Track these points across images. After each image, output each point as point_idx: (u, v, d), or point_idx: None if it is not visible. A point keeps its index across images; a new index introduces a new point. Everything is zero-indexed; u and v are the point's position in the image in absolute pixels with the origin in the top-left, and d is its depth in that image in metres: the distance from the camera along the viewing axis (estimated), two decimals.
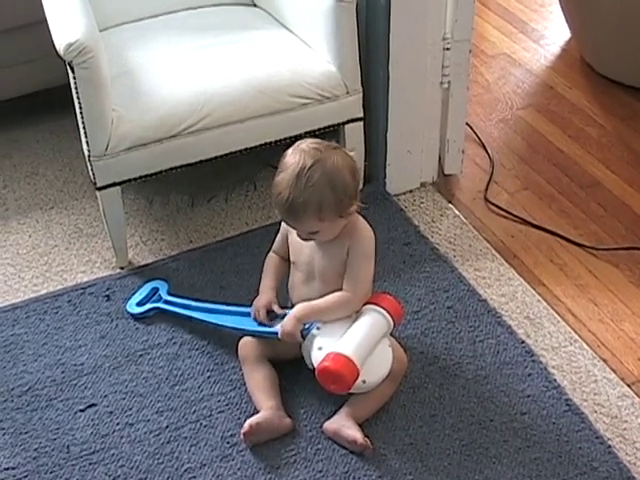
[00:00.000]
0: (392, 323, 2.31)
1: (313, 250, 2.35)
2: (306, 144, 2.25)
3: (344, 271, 2.33)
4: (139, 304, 2.69)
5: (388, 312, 2.30)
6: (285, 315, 2.35)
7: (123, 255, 2.86)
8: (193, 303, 2.62)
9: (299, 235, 2.30)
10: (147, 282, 2.77)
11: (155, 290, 2.72)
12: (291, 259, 2.43)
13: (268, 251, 2.52)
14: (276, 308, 2.41)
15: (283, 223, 2.43)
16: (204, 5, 3.21)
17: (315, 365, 2.23)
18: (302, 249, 2.38)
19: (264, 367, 2.37)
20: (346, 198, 2.23)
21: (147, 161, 2.70)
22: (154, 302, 2.69)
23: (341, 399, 2.31)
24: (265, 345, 2.39)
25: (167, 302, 2.66)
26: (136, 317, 2.66)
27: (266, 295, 2.44)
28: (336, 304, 2.30)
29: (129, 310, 2.68)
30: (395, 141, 3.04)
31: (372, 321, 2.29)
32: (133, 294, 2.73)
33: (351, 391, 2.24)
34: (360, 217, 2.36)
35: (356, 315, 2.31)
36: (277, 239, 2.50)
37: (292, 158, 2.22)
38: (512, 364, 2.48)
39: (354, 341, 2.23)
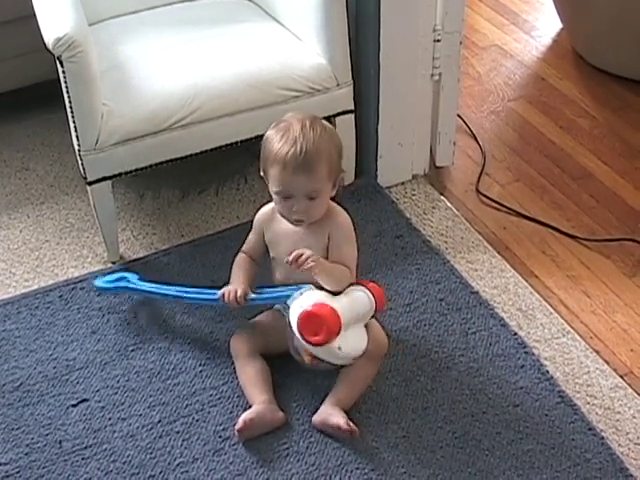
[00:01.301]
0: (375, 307, 2.31)
1: (293, 242, 2.34)
2: (286, 115, 2.31)
3: (325, 257, 2.32)
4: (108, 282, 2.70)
5: (373, 296, 2.30)
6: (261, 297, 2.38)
7: (114, 249, 2.85)
8: (162, 286, 2.60)
9: (290, 218, 2.28)
10: (116, 272, 2.75)
11: (124, 278, 2.71)
12: (271, 255, 2.43)
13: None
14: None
15: (257, 221, 2.45)
16: None
17: (295, 320, 2.21)
18: (278, 244, 2.38)
19: (256, 361, 2.36)
20: (341, 158, 2.30)
21: (137, 155, 2.69)
22: (122, 283, 2.68)
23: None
24: (257, 339, 2.39)
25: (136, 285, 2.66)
26: (102, 291, 2.68)
27: (240, 285, 2.39)
28: (340, 272, 2.29)
29: (97, 284, 2.68)
30: (386, 133, 3.03)
31: (357, 297, 2.29)
32: (102, 276, 2.73)
33: (324, 357, 2.23)
34: (333, 203, 2.37)
35: (346, 291, 2.31)
36: (249, 239, 2.49)
37: (283, 126, 2.25)
38: (504, 356, 2.47)
39: (340, 301, 2.23)
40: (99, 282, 2.69)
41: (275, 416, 2.28)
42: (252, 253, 2.48)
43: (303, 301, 2.24)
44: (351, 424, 2.22)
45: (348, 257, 2.33)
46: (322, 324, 2.16)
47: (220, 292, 2.40)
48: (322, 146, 2.22)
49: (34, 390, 2.43)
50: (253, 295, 2.38)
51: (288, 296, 2.30)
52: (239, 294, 2.36)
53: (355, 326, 2.26)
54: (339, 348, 2.21)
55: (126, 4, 3.13)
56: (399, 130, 3.04)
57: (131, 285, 2.64)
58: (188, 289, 2.53)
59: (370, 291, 2.31)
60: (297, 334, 2.21)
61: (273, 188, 2.27)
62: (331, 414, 2.25)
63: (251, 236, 2.48)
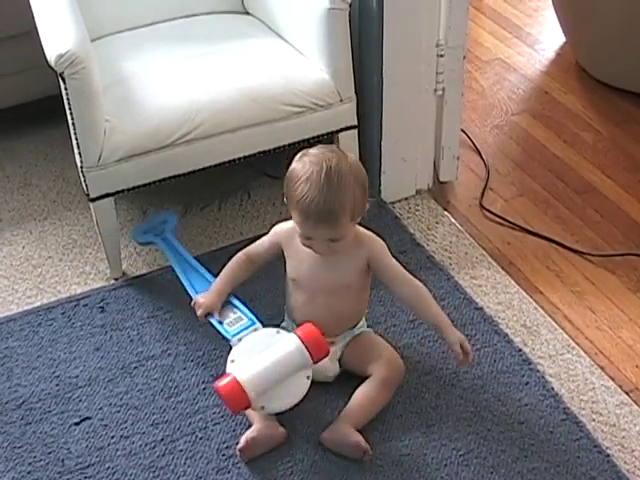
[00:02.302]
0: (310, 359, 2.25)
1: (314, 266, 2.33)
2: (314, 150, 2.24)
3: (355, 281, 2.34)
4: (145, 232, 2.83)
5: (307, 347, 2.24)
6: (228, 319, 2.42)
7: (117, 266, 2.84)
8: (182, 250, 2.71)
9: (316, 250, 2.27)
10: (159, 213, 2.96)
11: (163, 222, 2.83)
12: (290, 276, 2.41)
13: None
14: (216, 315, 2.43)
15: (275, 234, 2.43)
16: (196, 13, 3.20)
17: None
18: (300, 266, 2.36)
19: None
20: (366, 194, 2.26)
21: (140, 171, 2.69)
22: (156, 235, 2.77)
23: (337, 409, 2.30)
24: None
25: (165, 240, 2.76)
26: (138, 243, 2.86)
27: (212, 297, 2.44)
28: (430, 297, 2.37)
29: (135, 237, 2.84)
30: (389, 148, 3.03)
31: (287, 353, 2.25)
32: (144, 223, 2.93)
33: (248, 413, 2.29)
34: (360, 228, 2.36)
35: (279, 342, 2.28)
36: (259, 243, 2.48)
37: (308, 166, 2.17)
38: (509, 373, 2.46)
39: (256, 368, 2.22)
40: (136, 235, 2.85)
41: (275, 432, 2.27)
42: (256, 257, 2.48)
43: (234, 354, 2.28)
44: (367, 444, 2.22)
45: (400, 268, 2.37)
46: (226, 401, 2.19)
47: (194, 298, 2.48)
48: (346, 196, 2.16)
49: (36, 408, 2.43)
50: (211, 319, 2.43)
51: (227, 339, 2.36)
52: (199, 313, 2.43)
53: (286, 382, 2.23)
54: (262, 407, 2.22)
55: (128, 20, 3.14)
56: (402, 145, 3.03)
57: (160, 244, 2.75)
58: (191, 267, 2.65)
59: (303, 343, 2.24)
60: None
61: (296, 226, 2.25)
62: (348, 433, 2.23)
63: (265, 242, 2.46)
